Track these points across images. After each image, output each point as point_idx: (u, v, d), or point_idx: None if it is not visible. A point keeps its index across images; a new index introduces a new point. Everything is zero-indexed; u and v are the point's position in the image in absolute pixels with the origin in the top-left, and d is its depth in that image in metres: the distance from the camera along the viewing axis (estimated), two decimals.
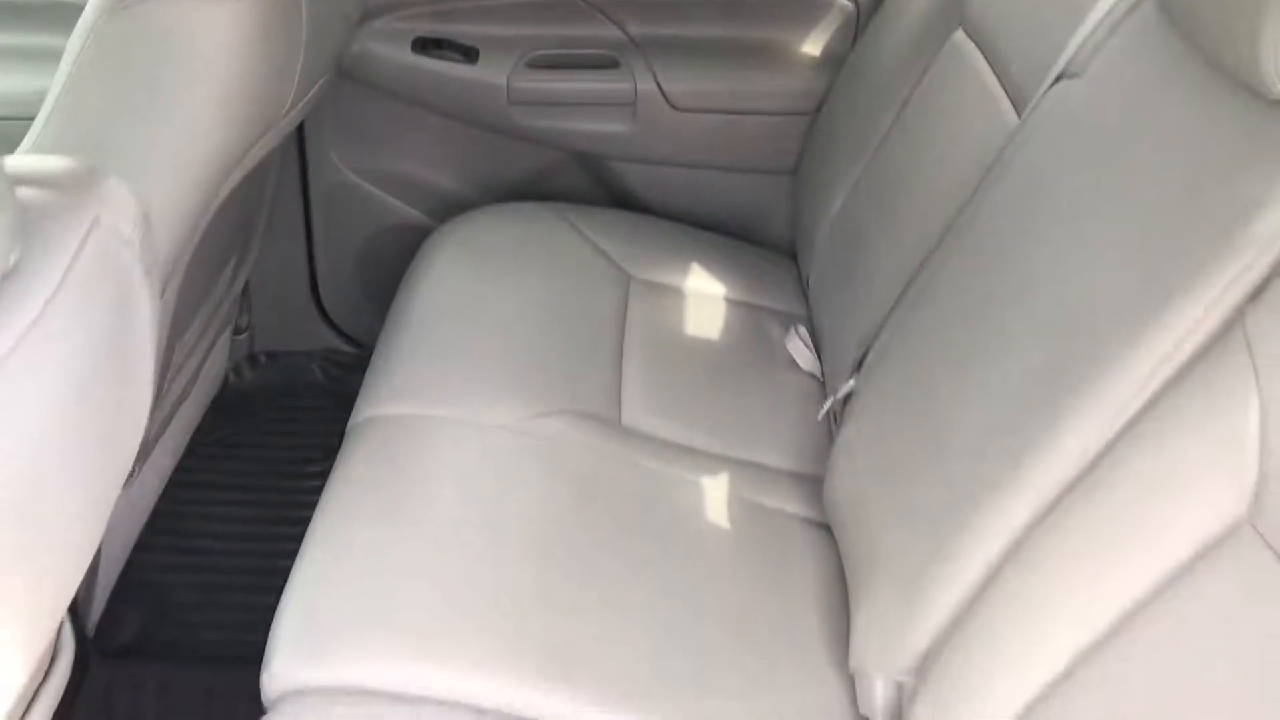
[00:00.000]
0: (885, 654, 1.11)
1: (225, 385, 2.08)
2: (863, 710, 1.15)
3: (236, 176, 1.37)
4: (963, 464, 1.06)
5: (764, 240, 1.95)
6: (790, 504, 1.43)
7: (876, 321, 1.41)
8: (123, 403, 0.74)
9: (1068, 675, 0.89)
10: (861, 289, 1.52)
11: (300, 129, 1.96)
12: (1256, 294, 0.84)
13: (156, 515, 1.76)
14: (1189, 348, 0.87)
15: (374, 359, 1.54)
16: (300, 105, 1.44)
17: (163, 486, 1.78)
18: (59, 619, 0.75)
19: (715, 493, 1.42)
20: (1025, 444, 0.97)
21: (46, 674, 1.02)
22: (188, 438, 1.86)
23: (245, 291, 2.05)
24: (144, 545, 1.72)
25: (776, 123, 1.89)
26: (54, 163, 0.73)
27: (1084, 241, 1.02)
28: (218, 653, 1.57)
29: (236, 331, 2.09)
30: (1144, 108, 1.03)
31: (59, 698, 1.03)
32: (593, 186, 1.98)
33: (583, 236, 1.80)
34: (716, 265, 1.83)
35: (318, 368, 2.17)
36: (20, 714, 0.98)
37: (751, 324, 1.75)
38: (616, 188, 1.97)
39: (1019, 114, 1.29)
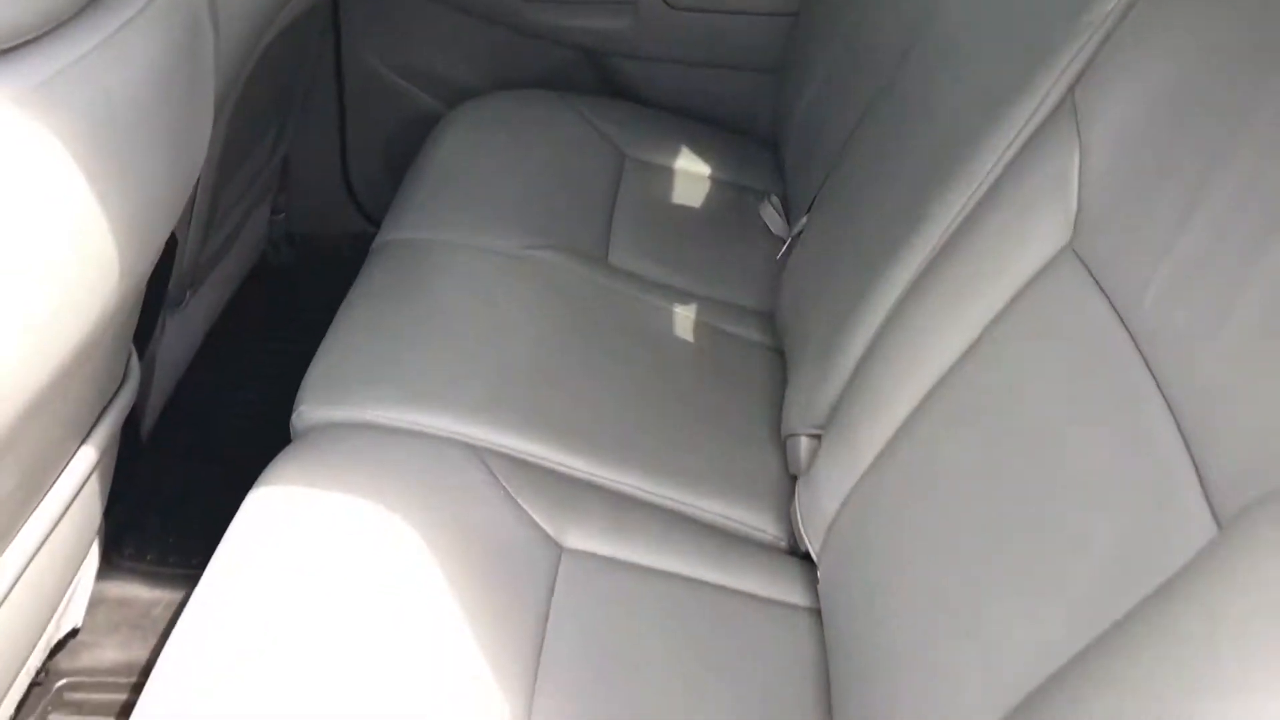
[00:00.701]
0: (806, 413, 1.32)
1: (263, 261, 2.32)
2: (791, 469, 1.36)
3: (272, 33, 1.59)
4: (871, 246, 1.27)
5: (750, 132, 2.16)
6: (749, 332, 1.65)
7: (825, 172, 1.62)
8: (191, 109, 0.96)
9: (931, 394, 1.10)
10: (819, 152, 1.73)
11: (336, 26, 2.19)
12: (1084, 69, 1.05)
13: (200, 358, 1.99)
14: (1035, 121, 1.09)
15: (393, 203, 1.77)
16: None
17: (206, 330, 2.01)
18: (141, 279, 0.97)
19: (684, 317, 1.64)
20: (916, 215, 1.19)
21: (114, 395, 1.25)
22: (229, 292, 2.09)
23: (284, 175, 2.28)
24: (189, 381, 1.95)
25: (762, 22, 2.10)
26: None
27: (971, 62, 1.23)
28: (258, 461, 1.81)
29: (275, 212, 2.32)
30: None
31: (122, 417, 1.26)
32: (597, 81, 2.20)
33: (583, 119, 2.01)
34: (705, 150, 2.05)
35: (348, 249, 2.39)
36: (88, 427, 1.21)
37: (732, 198, 1.97)
38: (618, 82, 2.19)
39: None
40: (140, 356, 1.60)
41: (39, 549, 1.07)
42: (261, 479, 1.23)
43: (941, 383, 1.10)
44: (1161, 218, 0.90)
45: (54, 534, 1.12)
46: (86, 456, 1.15)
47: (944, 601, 0.97)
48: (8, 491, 0.91)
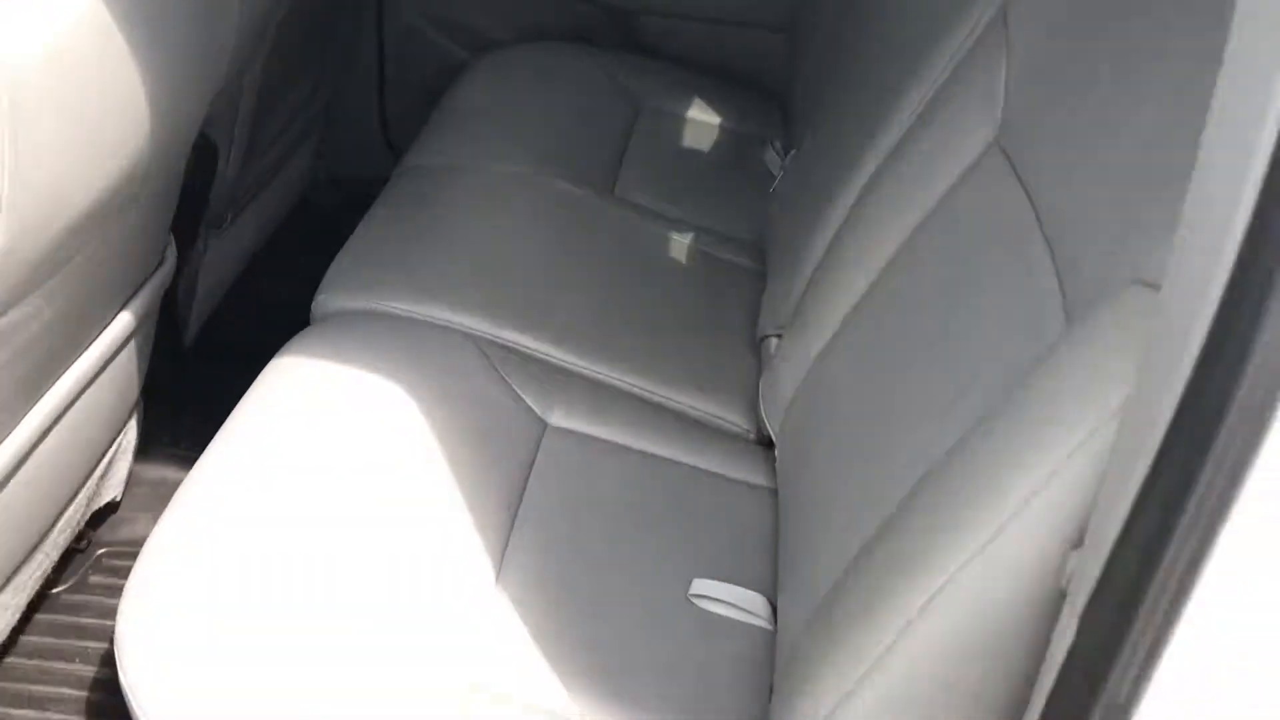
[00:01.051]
0: (774, 315, 1.45)
1: (305, 202, 2.47)
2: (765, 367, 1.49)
3: None
4: (835, 159, 1.39)
5: (760, 86, 2.28)
6: (739, 258, 1.77)
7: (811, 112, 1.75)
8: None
9: (872, 286, 1.22)
10: (818, 102, 1.84)
11: None
12: None
13: (242, 281, 2.15)
14: (976, 33, 1.21)
15: (419, 135, 1.91)
16: None
17: (249, 256, 2.16)
18: (173, 146, 1.11)
19: (679, 242, 1.76)
20: (871, 125, 1.32)
21: (153, 272, 1.40)
22: (271, 224, 2.24)
23: (327, 121, 2.44)
24: (230, 300, 2.11)
25: None
26: None
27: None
28: None
29: (318, 156, 2.48)
30: None
31: (159, 292, 1.41)
32: (618, 36, 2.33)
33: (602, 69, 2.15)
34: (715, 100, 2.17)
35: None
36: (127, 294, 1.35)
37: (738, 144, 2.09)
38: (638, 38, 2.32)
39: None
40: (184, 266, 1.77)
41: (83, 390, 1.22)
42: (278, 355, 1.37)
43: (882, 274, 1.22)
44: (1064, 103, 1.02)
45: (95, 384, 1.27)
46: (125, 320, 1.30)
47: (859, 450, 1.09)
48: (54, 317, 1.06)
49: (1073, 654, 0.61)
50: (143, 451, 1.69)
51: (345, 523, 1.18)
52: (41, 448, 1.18)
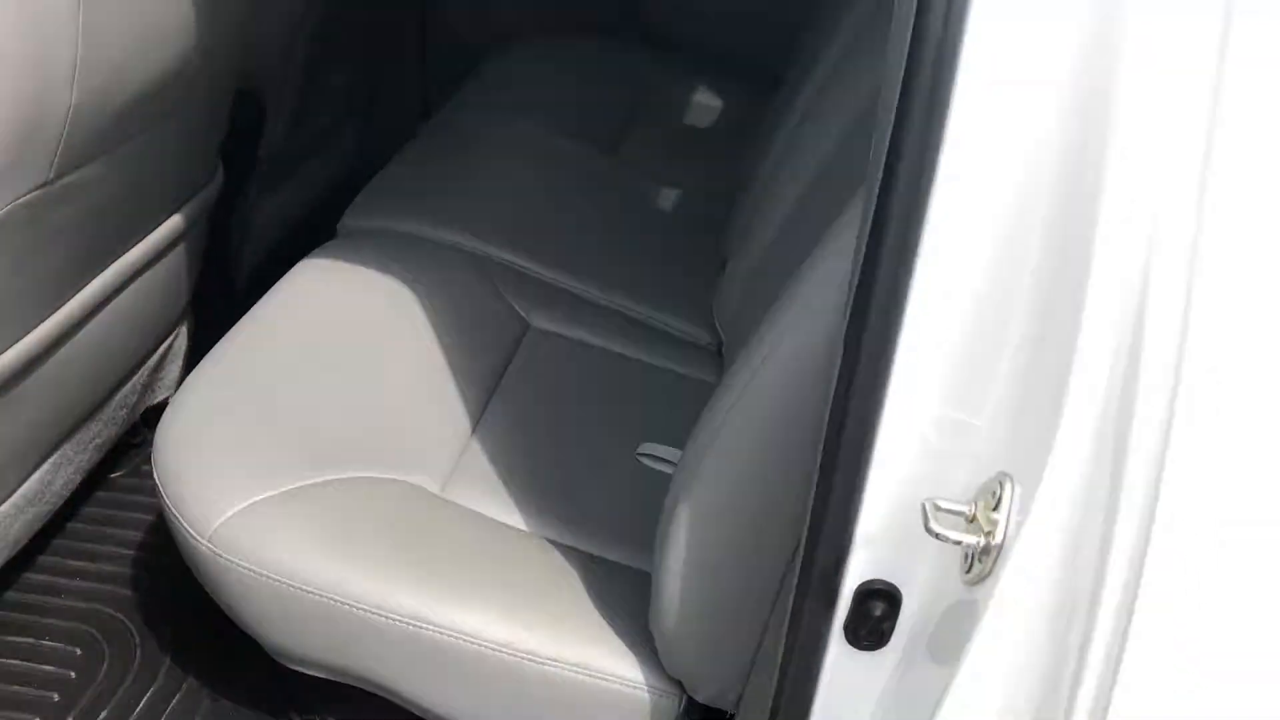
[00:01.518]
0: (731, 240, 1.67)
1: (351, 187, 2.73)
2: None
3: None
4: (781, 108, 1.62)
5: (761, 72, 2.51)
6: (721, 211, 1.99)
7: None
8: None
9: (795, 205, 1.44)
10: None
11: None
12: None
13: (287, 241, 2.40)
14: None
15: (447, 102, 2.17)
16: None
17: (297, 221, 2.42)
18: (211, 64, 1.38)
19: (669, 193, 2.00)
20: (800, 79, 1.54)
21: (202, 188, 1.65)
22: (317, 191, 2.49)
23: (373, 110, 2.70)
24: (277, 255, 2.36)
25: None
26: None
27: None
28: None
29: (363, 138, 2.74)
30: None
31: (207, 205, 1.66)
32: (636, 31, 2.58)
33: (616, 57, 2.39)
34: (720, 85, 2.40)
35: None
36: (178, 202, 1.60)
37: (738, 121, 2.32)
38: (655, 34, 2.56)
39: None
40: (237, 213, 2.03)
41: (140, 273, 1.47)
42: (302, 260, 1.61)
43: (803, 194, 1.43)
44: None
45: (150, 272, 1.52)
46: (176, 222, 1.55)
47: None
48: (115, 189, 1.30)
49: (840, 372, 0.82)
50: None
51: (346, 382, 1.41)
52: (102, 314, 1.43)
